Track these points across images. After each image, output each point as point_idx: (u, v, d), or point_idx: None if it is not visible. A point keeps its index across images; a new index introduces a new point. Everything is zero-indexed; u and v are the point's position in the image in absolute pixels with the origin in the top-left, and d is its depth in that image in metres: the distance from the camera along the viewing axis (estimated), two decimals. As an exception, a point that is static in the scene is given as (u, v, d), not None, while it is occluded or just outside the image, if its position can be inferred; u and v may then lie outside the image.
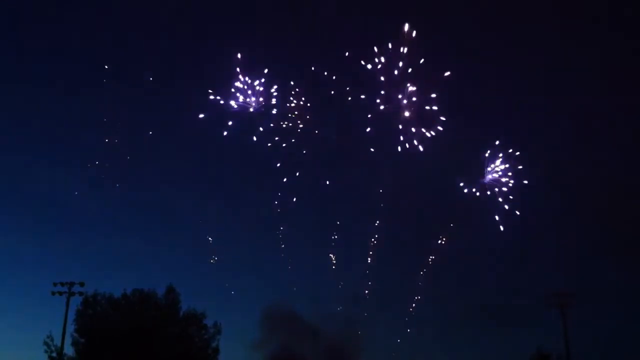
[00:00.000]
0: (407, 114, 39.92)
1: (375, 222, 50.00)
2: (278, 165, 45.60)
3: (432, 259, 49.99)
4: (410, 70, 39.17)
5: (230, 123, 40.68)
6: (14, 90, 77.06)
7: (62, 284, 47.40)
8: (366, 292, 51.71)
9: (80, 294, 46.92)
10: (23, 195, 76.37)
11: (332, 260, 50.84)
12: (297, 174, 45.73)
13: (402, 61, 38.73)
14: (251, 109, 40.33)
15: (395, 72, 39.12)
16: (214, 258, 48.34)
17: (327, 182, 47.71)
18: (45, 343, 45.31)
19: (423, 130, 40.53)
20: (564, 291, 51.25)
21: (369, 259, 50.36)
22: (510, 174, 42.06)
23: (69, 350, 45.77)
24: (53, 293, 47.54)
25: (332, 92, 41.50)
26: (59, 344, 45.64)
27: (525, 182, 42.21)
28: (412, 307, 52.35)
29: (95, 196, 70.80)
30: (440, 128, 39.96)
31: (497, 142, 42.10)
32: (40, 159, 71.53)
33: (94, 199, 71.01)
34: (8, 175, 77.85)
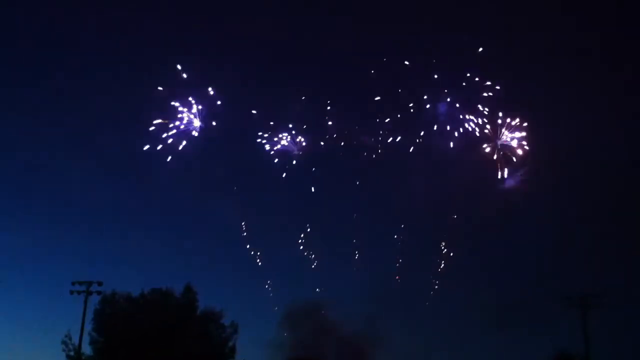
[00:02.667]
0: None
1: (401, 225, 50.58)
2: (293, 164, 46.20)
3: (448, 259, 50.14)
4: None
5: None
6: (36, 88, 77.38)
7: (81, 283, 47.63)
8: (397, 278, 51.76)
9: (99, 293, 47.05)
10: (41, 194, 76.74)
11: (355, 258, 51.27)
12: (313, 169, 46.83)
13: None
14: None
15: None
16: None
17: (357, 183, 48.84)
18: (64, 342, 45.50)
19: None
20: (586, 292, 50.52)
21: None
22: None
23: (87, 349, 46.00)
24: (72, 292, 47.80)
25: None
26: (77, 343, 45.85)
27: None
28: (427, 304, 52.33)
29: (113, 196, 71.26)
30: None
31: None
32: (58, 157, 71.73)
33: (112, 199, 71.46)
34: (26, 173, 78.32)
